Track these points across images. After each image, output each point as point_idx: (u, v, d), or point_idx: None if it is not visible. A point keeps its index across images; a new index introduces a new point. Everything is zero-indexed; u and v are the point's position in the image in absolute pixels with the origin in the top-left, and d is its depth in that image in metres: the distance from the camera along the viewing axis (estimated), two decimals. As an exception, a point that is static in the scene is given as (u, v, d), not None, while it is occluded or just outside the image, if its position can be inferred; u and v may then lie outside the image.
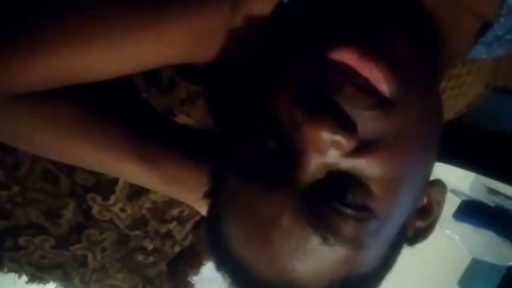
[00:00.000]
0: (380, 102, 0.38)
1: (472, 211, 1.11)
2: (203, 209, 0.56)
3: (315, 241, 0.39)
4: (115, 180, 0.62)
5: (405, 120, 0.39)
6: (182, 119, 0.58)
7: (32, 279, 0.74)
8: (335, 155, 0.38)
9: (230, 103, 0.56)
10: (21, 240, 0.67)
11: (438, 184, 0.51)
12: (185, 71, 0.55)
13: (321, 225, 0.39)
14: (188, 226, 0.72)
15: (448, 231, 1.18)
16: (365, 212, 0.39)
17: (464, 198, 1.09)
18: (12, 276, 0.73)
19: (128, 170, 0.55)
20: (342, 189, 0.39)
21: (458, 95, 0.65)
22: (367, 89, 0.38)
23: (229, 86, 0.55)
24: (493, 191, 0.94)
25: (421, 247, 0.52)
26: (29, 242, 0.68)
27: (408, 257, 0.50)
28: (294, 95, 0.40)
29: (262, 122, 0.42)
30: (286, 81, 0.42)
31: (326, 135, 0.37)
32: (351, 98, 0.37)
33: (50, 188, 0.62)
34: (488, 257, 1.20)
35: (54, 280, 0.75)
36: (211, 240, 0.47)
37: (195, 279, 0.81)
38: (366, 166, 0.39)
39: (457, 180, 1.01)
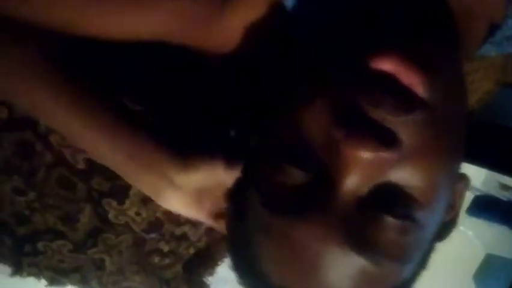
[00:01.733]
0: (419, 106, 0.37)
1: (485, 206, 1.10)
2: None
3: (363, 263, 0.38)
4: (129, 185, 0.63)
5: (442, 123, 0.38)
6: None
7: (51, 283, 0.75)
8: (377, 171, 0.37)
9: (239, 112, 0.55)
10: (40, 245, 0.69)
11: (462, 177, 0.50)
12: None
13: (370, 248, 0.37)
14: (203, 228, 0.73)
15: (461, 227, 1.17)
16: (411, 223, 0.38)
17: (477, 194, 1.09)
18: (32, 280, 0.75)
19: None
20: (388, 203, 0.38)
21: (468, 92, 0.65)
22: (406, 95, 0.36)
23: (239, 91, 0.54)
24: (505, 187, 0.93)
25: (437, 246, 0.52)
26: (47, 247, 0.69)
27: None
28: (329, 113, 0.38)
29: (286, 140, 0.40)
30: (314, 96, 0.39)
31: (369, 155, 0.35)
32: (391, 107, 0.36)
33: (66, 193, 0.63)
34: (503, 252, 1.19)
35: (72, 283, 0.76)
36: (241, 265, 0.45)
37: (210, 280, 0.82)
38: (408, 174, 0.38)
39: (469, 175, 1.00)
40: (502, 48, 0.54)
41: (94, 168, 0.61)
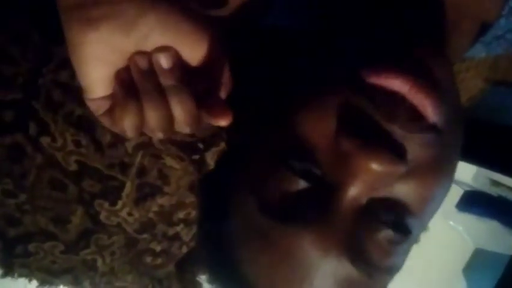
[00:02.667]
0: (430, 127, 0.37)
1: (475, 201, 1.12)
2: None
3: (355, 273, 0.38)
4: (122, 186, 0.62)
5: (447, 144, 0.39)
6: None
7: (43, 284, 0.75)
8: (382, 183, 0.37)
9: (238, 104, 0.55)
10: (31, 247, 0.68)
11: None
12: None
13: (365, 261, 0.38)
14: (195, 227, 0.73)
15: (451, 222, 1.19)
16: (404, 233, 0.39)
17: (467, 189, 1.10)
18: (22, 281, 0.74)
19: None
20: (384, 214, 0.38)
21: (459, 90, 0.65)
22: (417, 113, 0.36)
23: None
24: (496, 183, 0.94)
25: (425, 239, 0.52)
26: (39, 248, 0.69)
27: (413, 249, 0.51)
28: (336, 121, 0.37)
29: (287, 144, 0.39)
30: (318, 101, 0.39)
31: (380, 167, 0.35)
32: (404, 121, 0.36)
33: (57, 195, 0.63)
34: (492, 246, 1.21)
35: (64, 284, 0.76)
36: (217, 267, 0.45)
37: (203, 278, 0.82)
38: (407, 189, 0.38)
39: (459, 171, 1.01)
40: (491, 49, 0.54)
41: (86, 170, 0.61)
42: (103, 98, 0.39)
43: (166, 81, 0.37)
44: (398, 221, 0.38)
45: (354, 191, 0.37)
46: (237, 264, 0.41)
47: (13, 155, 0.59)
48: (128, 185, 0.62)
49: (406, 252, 0.43)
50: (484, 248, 1.24)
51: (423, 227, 0.44)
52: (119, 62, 0.36)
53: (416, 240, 0.48)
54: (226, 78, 0.40)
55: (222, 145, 0.60)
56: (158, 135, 0.39)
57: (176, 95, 0.37)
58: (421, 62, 0.38)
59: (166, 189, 0.64)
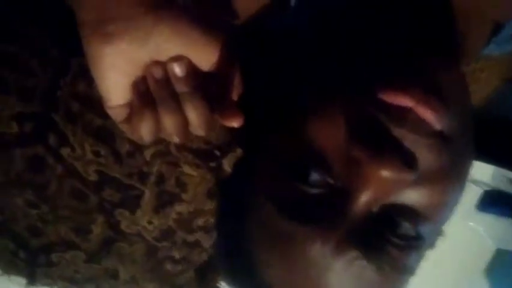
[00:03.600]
0: (438, 134, 0.37)
1: (494, 201, 1.10)
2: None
3: (369, 273, 0.39)
4: (141, 195, 0.63)
5: (457, 150, 0.39)
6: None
7: (66, 293, 0.76)
8: (393, 191, 0.38)
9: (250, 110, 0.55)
10: (54, 257, 0.69)
11: None
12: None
13: (376, 256, 0.38)
14: (215, 234, 0.74)
15: (471, 223, 1.18)
16: (416, 240, 0.40)
17: (486, 189, 1.09)
18: (46, 290, 0.76)
19: None
20: (395, 220, 0.39)
21: (474, 91, 0.65)
22: (425, 121, 0.37)
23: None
24: (514, 182, 0.94)
25: (446, 241, 0.52)
26: (61, 258, 0.70)
27: (434, 251, 0.51)
28: (346, 130, 0.38)
29: (300, 152, 0.40)
30: (329, 111, 0.40)
31: (391, 174, 0.35)
32: (414, 124, 0.36)
33: (78, 205, 0.64)
34: (514, 247, 1.19)
35: (86, 293, 0.77)
36: (238, 269, 0.46)
37: (223, 285, 0.82)
38: (419, 196, 0.39)
39: (478, 171, 1.00)
40: (504, 48, 0.54)
41: (105, 180, 0.62)
42: (122, 106, 0.41)
43: (181, 88, 0.39)
44: (409, 227, 0.39)
45: (366, 198, 0.37)
46: (255, 267, 0.42)
47: (34, 166, 0.60)
48: (147, 193, 0.63)
49: (419, 257, 0.43)
50: (506, 248, 1.23)
51: (437, 232, 0.44)
52: (136, 72, 0.39)
53: (432, 246, 0.48)
54: (237, 81, 0.42)
55: (239, 151, 0.60)
56: (175, 139, 0.41)
57: (191, 101, 0.39)
58: (429, 75, 0.39)
59: (184, 196, 0.65)
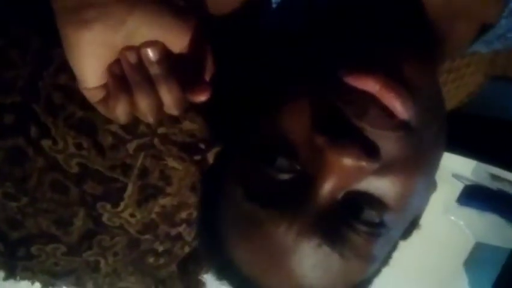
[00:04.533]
0: (401, 125, 0.38)
1: (475, 195, 1.12)
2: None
3: (332, 258, 0.39)
4: (124, 188, 0.62)
5: (422, 140, 0.40)
6: (188, 125, 0.58)
7: (45, 286, 0.75)
8: (355, 178, 0.38)
9: (225, 103, 0.56)
10: (33, 249, 0.68)
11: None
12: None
13: (340, 243, 0.39)
14: (197, 226, 0.73)
15: (452, 217, 1.19)
16: (380, 227, 0.40)
17: (467, 183, 1.10)
18: (26, 283, 0.74)
19: None
20: (360, 208, 0.39)
21: (459, 86, 0.65)
22: (388, 113, 0.37)
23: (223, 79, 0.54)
24: (496, 177, 0.95)
25: (428, 234, 0.52)
26: (41, 251, 0.69)
27: (415, 244, 0.51)
28: (311, 118, 0.39)
29: (269, 138, 0.41)
30: (297, 98, 0.41)
31: (351, 162, 0.36)
32: (374, 119, 0.37)
33: (59, 198, 0.63)
34: (493, 240, 1.21)
35: (67, 286, 0.76)
36: (211, 251, 0.46)
37: (206, 278, 0.82)
38: (383, 185, 0.39)
39: (459, 165, 1.02)
40: (492, 46, 0.55)
41: (87, 172, 0.61)
42: (97, 87, 0.42)
43: (154, 71, 0.41)
44: (371, 214, 0.40)
45: (329, 184, 0.38)
46: (226, 251, 0.43)
47: (14, 158, 0.59)
48: (130, 186, 0.63)
49: (385, 245, 0.44)
50: (485, 241, 1.25)
51: (404, 222, 0.45)
52: (110, 56, 0.40)
53: (404, 237, 0.49)
54: (209, 62, 0.44)
55: (222, 145, 0.60)
56: (150, 119, 0.43)
57: (164, 83, 0.41)
58: (394, 63, 0.39)
59: (168, 190, 0.64)
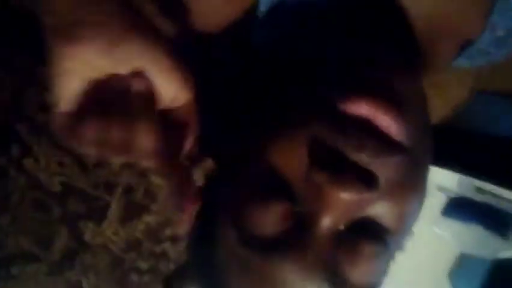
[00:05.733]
0: (397, 148, 0.38)
1: (460, 207, 1.13)
2: None
3: None
4: (107, 206, 0.61)
5: (416, 162, 0.39)
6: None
7: (26, 306, 0.73)
8: (356, 210, 0.38)
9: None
10: (14, 270, 0.67)
11: None
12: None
13: (345, 283, 0.38)
14: (183, 244, 0.72)
15: (437, 229, 1.19)
16: (382, 250, 0.40)
17: (451, 196, 1.11)
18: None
19: None
20: (361, 233, 0.39)
21: (444, 101, 0.66)
22: (383, 138, 0.37)
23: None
24: (481, 190, 0.95)
25: (412, 245, 0.52)
26: (21, 271, 0.67)
27: (399, 256, 0.51)
28: (308, 155, 0.37)
29: (261, 173, 0.39)
30: (291, 135, 0.39)
31: (351, 196, 0.36)
32: (372, 150, 0.36)
33: (41, 216, 0.62)
34: (477, 251, 1.22)
35: (48, 306, 0.74)
36: (206, 282, 0.45)
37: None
38: (381, 209, 0.39)
39: (443, 177, 1.02)
40: (475, 61, 0.55)
41: (70, 191, 0.60)
42: (69, 113, 0.36)
43: (137, 105, 0.36)
44: (374, 239, 0.39)
45: (329, 220, 0.37)
46: (223, 285, 0.42)
47: (-6, 176, 0.57)
48: (114, 204, 0.61)
49: (385, 269, 0.43)
50: (469, 253, 1.26)
51: (402, 240, 0.45)
52: (93, 79, 0.36)
53: (393, 257, 0.48)
54: (193, 123, 0.40)
55: (209, 163, 0.59)
56: (116, 158, 0.38)
57: (144, 120, 0.36)
58: (388, 85, 0.39)
59: (153, 207, 0.63)
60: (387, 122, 0.36)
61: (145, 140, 0.36)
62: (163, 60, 0.36)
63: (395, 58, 0.43)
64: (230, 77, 0.52)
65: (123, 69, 0.36)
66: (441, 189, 1.03)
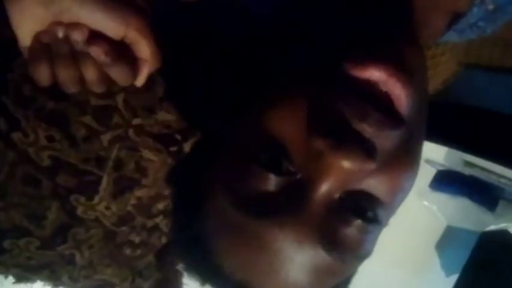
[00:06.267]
0: (399, 123, 0.37)
1: (447, 180, 1.14)
2: None
3: (330, 260, 0.39)
4: (98, 180, 0.61)
5: (412, 133, 0.39)
6: (163, 116, 0.57)
7: (19, 280, 0.73)
8: (354, 179, 0.38)
9: (204, 96, 0.54)
10: (6, 244, 0.67)
11: None
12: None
13: (340, 249, 0.39)
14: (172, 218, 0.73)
15: (425, 202, 1.21)
16: (374, 223, 0.40)
17: (439, 168, 1.12)
18: (-1, 278, 0.73)
19: None
20: (355, 205, 0.39)
21: (434, 75, 0.66)
22: (387, 108, 0.37)
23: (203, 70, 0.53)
24: (469, 164, 0.96)
25: (400, 218, 0.53)
26: (14, 245, 0.67)
27: (388, 229, 0.52)
28: (308, 120, 0.37)
29: (257, 138, 0.40)
30: (291, 98, 0.39)
31: (351, 165, 0.36)
32: (375, 121, 0.36)
33: (32, 191, 0.61)
34: (464, 224, 1.24)
35: (42, 280, 0.74)
36: (193, 257, 0.45)
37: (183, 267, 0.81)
38: (377, 182, 0.39)
39: (431, 151, 1.03)
40: (464, 35, 0.55)
41: (60, 165, 0.59)
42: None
43: (78, 47, 0.44)
44: (367, 211, 0.40)
45: (327, 187, 0.37)
46: (212, 256, 0.42)
47: (-17, 152, 0.57)
48: (105, 179, 0.61)
49: (376, 238, 0.44)
50: (456, 225, 1.28)
51: (392, 215, 0.45)
52: (40, 27, 0.44)
53: (385, 225, 0.49)
54: (146, 52, 0.47)
55: (199, 135, 0.59)
56: (68, 89, 0.47)
57: (85, 60, 0.45)
58: (398, 53, 0.38)
59: (144, 181, 0.63)
60: (398, 90, 0.36)
61: (90, 74, 0.46)
62: (100, 10, 0.43)
63: (402, 28, 0.43)
64: (230, 41, 0.51)
65: (65, 18, 0.43)
66: (429, 162, 1.05)
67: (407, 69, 0.38)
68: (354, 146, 0.35)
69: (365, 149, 0.36)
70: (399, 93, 0.36)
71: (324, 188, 0.37)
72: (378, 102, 0.36)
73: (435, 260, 1.37)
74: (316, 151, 0.36)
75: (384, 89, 0.36)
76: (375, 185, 0.39)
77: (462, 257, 1.25)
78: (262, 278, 0.40)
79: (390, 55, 0.38)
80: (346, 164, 0.35)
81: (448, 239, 1.34)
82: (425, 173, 1.14)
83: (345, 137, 0.36)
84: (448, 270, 1.40)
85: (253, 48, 0.49)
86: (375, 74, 0.36)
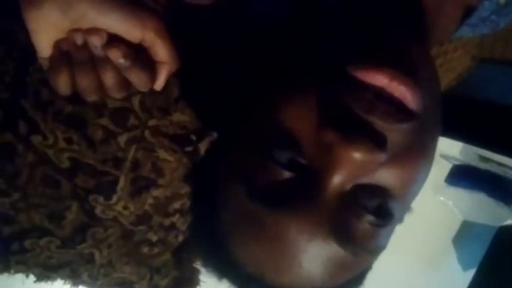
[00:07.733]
0: (409, 117, 0.38)
1: (463, 175, 1.13)
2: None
3: (342, 254, 0.40)
4: (116, 181, 0.62)
5: (425, 127, 0.40)
6: (178, 116, 0.58)
7: (40, 278, 0.75)
8: (365, 171, 0.38)
9: (219, 92, 0.55)
10: (27, 243, 0.68)
11: None
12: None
13: (352, 242, 0.39)
14: (190, 216, 0.74)
15: (441, 198, 1.21)
16: (387, 217, 0.40)
17: (455, 163, 1.12)
18: (20, 276, 0.75)
19: None
20: (367, 198, 0.39)
21: (447, 70, 0.66)
22: (396, 104, 0.37)
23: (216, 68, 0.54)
24: (485, 159, 0.96)
25: (417, 214, 0.53)
26: (35, 245, 0.69)
27: (405, 224, 0.52)
28: (319, 113, 0.38)
29: (269, 132, 0.41)
30: (302, 93, 0.40)
31: (362, 156, 0.36)
32: (383, 113, 0.37)
33: (51, 192, 0.63)
34: (481, 219, 1.23)
35: (62, 278, 0.76)
36: (209, 251, 0.46)
37: (200, 265, 0.82)
38: (389, 175, 0.39)
39: (447, 146, 1.03)
40: (478, 30, 0.55)
41: (78, 166, 0.61)
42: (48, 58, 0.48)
43: (97, 54, 0.45)
44: (381, 206, 0.40)
45: (338, 179, 0.38)
46: (228, 250, 0.43)
47: (4, 155, 0.58)
48: (122, 179, 0.62)
49: (390, 233, 0.44)
50: (473, 220, 1.27)
51: (406, 209, 0.45)
52: (58, 35, 0.45)
53: (400, 221, 0.49)
54: (165, 55, 0.48)
55: (215, 135, 0.60)
56: (89, 97, 0.49)
57: (104, 66, 0.46)
58: (402, 53, 0.39)
59: (161, 181, 0.64)
60: (401, 93, 0.36)
61: (109, 80, 0.47)
62: (117, 15, 0.44)
63: (409, 27, 0.43)
64: (242, 40, 0.52)
65: (81, 25, 0.44)
66: (444, 157, 1.04)
67: (413, 70, 0.38)
68: (363, 137, 0.36)
69: (374, 140, 0.36)
70: (404, 94, 0.37)
71: (335, 179, 0.38)
72: (388, 97, 0.37)
73: (452, 255, 1.37)
74: (327, 144, 0.37)
75: (389, 91, 0.37)
76: (387, 177, 0.40)
77: (479, 251, 1.24)
78: (275, 269, 0.41)
79: (395, 57, 0.38)
80: (356, 155, 0.36)
81: (464, 234, 1.34)
82: (440, 168, 1.14)
83: (355, 129, 0.36)
84: (465, 265, 1.39)
85: (264, 47, 0.50)
86: (377, 80, 0.37)
